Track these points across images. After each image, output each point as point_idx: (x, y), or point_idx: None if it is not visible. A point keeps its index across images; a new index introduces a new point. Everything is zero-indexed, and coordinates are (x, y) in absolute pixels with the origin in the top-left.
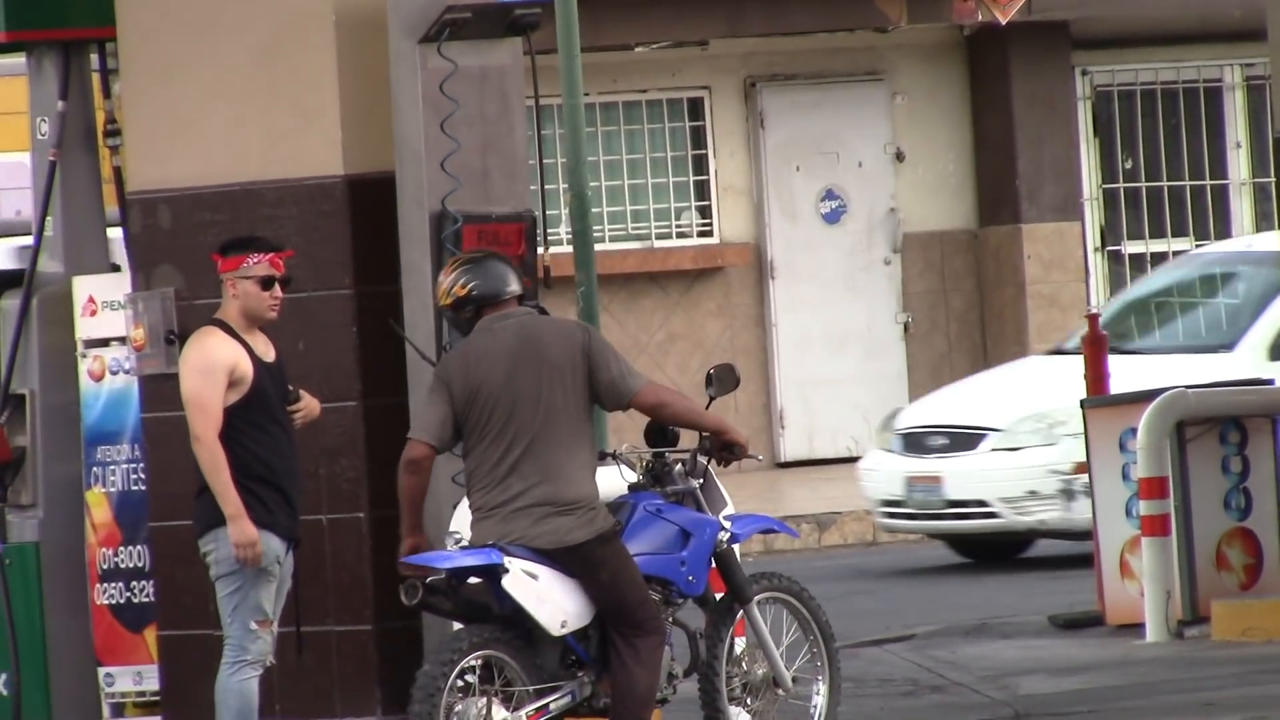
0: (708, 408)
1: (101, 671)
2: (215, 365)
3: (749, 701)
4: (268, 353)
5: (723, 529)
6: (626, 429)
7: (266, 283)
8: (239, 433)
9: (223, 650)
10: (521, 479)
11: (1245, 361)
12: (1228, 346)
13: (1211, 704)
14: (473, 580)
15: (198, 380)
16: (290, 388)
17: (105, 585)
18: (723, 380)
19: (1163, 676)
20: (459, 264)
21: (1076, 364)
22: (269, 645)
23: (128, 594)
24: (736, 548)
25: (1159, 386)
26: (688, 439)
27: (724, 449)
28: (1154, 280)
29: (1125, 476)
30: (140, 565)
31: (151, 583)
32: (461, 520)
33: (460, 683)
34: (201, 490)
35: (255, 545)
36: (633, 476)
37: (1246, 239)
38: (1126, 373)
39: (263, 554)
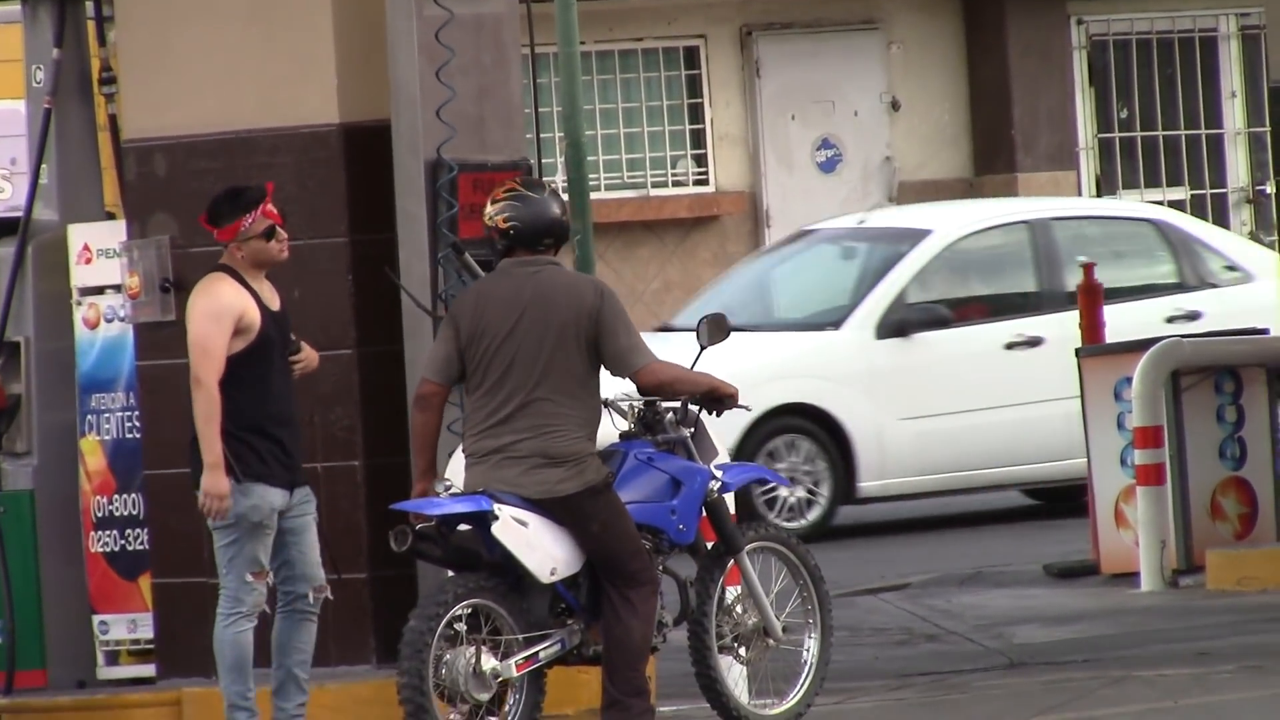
0: (698, 357)
1: (96, 619)
2: (224, 311)
3: (740, 651)
4: (273, 301)
5: (714, 478)
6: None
7: (268, 234)
8: (241, 381)
9: (218, 602)
10: (514, 431)
11: (852, 339)
12: (835, 324)
13: (1206, 653)
14: (463, 527)
15: (207, 325)
16: (291, 337)
17: (100, 533)
18: (713, 330)
19: (1157, 626)
20: (510, 195)
21: (681, 343)
22: (263, 596)
23: (122, 542)
24: (728, 497)
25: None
26: None
27: (715, 402)
28: (771, 257)
29: (1120, 426)
30: (134, 513)
31: (146, 530)
32: (456, 469)
33: (449, 632)
34: (196, 442)
35: (224, 499)
36: (624, 424)
37: (859, 215)
38: (734, 351)
39: (255, 508)
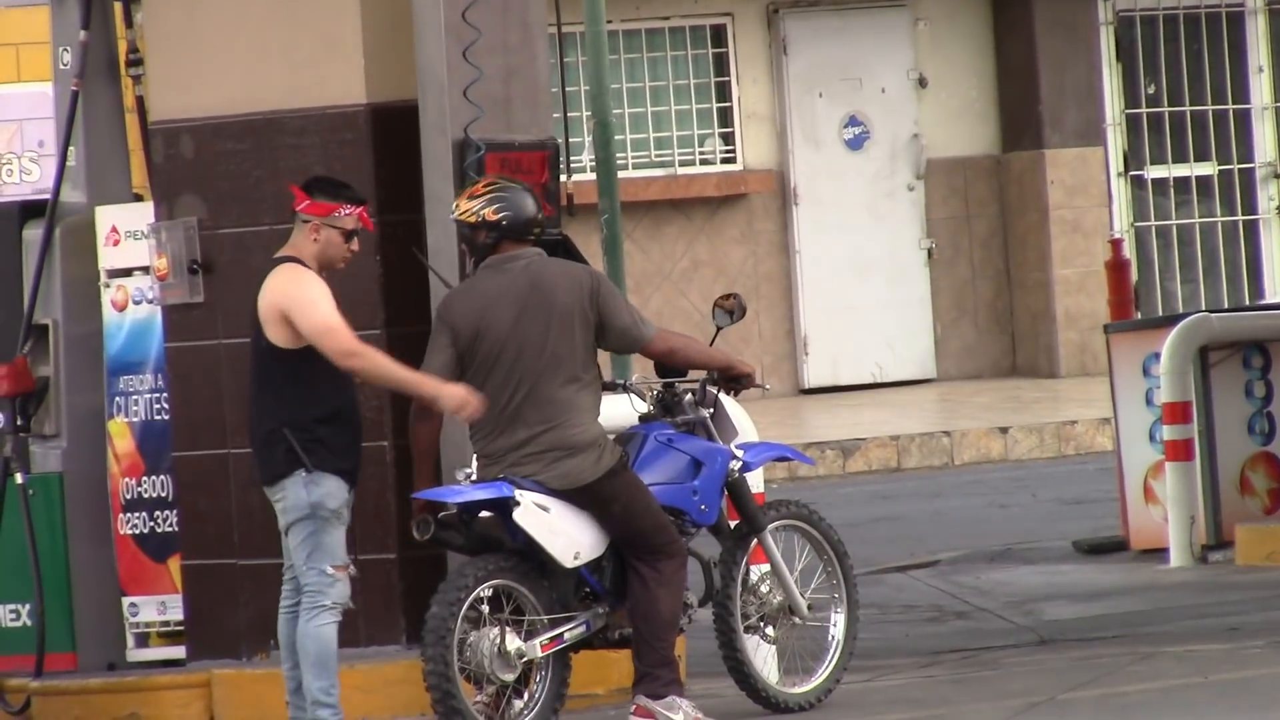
0: (715, 337)
1: (125, 601)
2: (325, 292)
3: (767, 631)
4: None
5: (734, 458)
6: (639, 358)
7: (348, 235)
8: (313, 373)
9: (302, 596)
10: (526, 426)
11: None
12: None
13: (1236, 628)
14: (484, 514)
15: (326, 305)
16: None
17: (128, 515)
18: (730, 310)
19: (1187, 601)
20: (493, 188)
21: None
22: (347, 589)
23: (151, 524)
24: (750, 476)
25: None
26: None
27: (731, 381)
28: None
29: (1149, 402)
30: (163, 495)
31: (175, 512)
32: None
33: (473, 614)
34: (268, 437)
35: (469, 395)
36: (643, 407)
37: None
38: None
39: (330, 495)
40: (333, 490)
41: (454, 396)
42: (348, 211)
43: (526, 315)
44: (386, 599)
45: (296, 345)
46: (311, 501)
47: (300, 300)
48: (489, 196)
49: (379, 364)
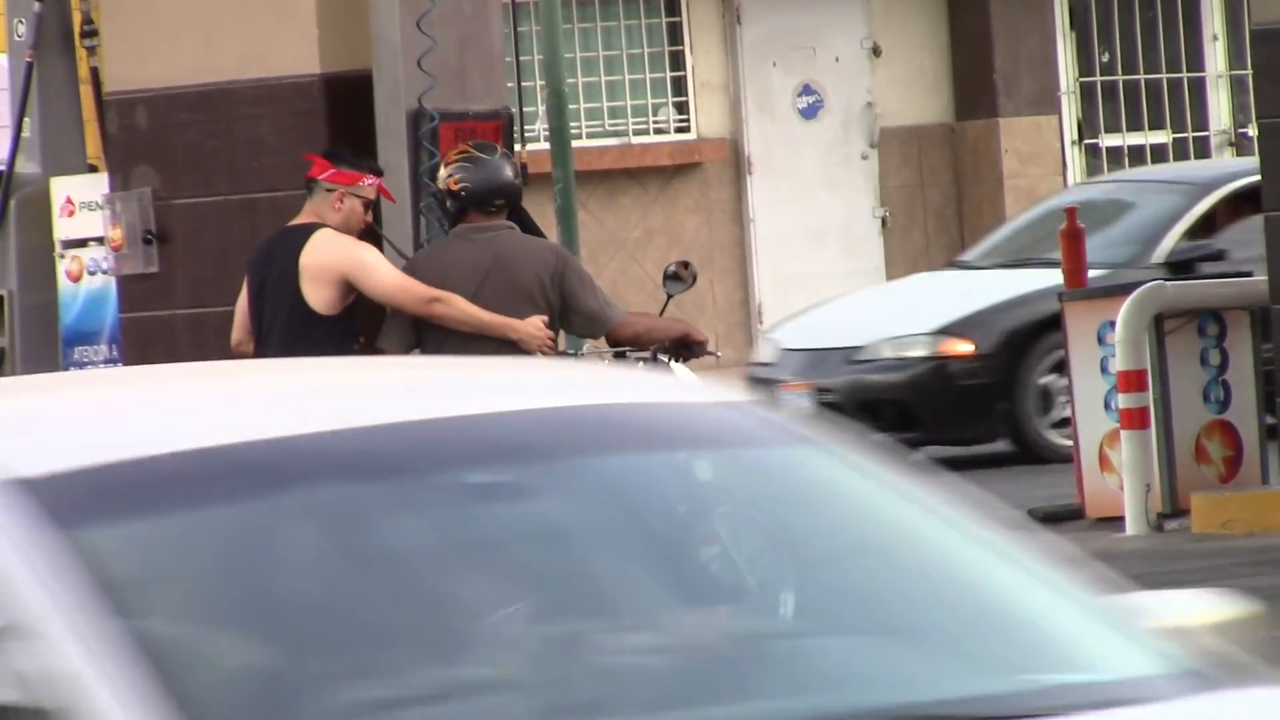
0: (666, 304)
1: None
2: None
3: None
4: None
5: None
6: None
7: (367, 205)
8: (344, 337)
9: None
10: None
11: None
12: None
13: None
14: None
15: (385, 266)
16: None
17: None
18: (680, 277)
19: (1142, 569)
20: (461, 156)
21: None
22: None
23: None
24: None
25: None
26: None
27: (684, 349)
28: None
29: (1104, 370)
30: None
31: None
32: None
33: None
34: None
35: (541, 329)
36: None
37: None
38: None
39: None
40: None
41: (532, 333)
42: (370, 182)
43: (486, 287)
44: None
45: (333, 310)
46: None
47: (363, 263)
48: (455, 165)
49: (462, 306)
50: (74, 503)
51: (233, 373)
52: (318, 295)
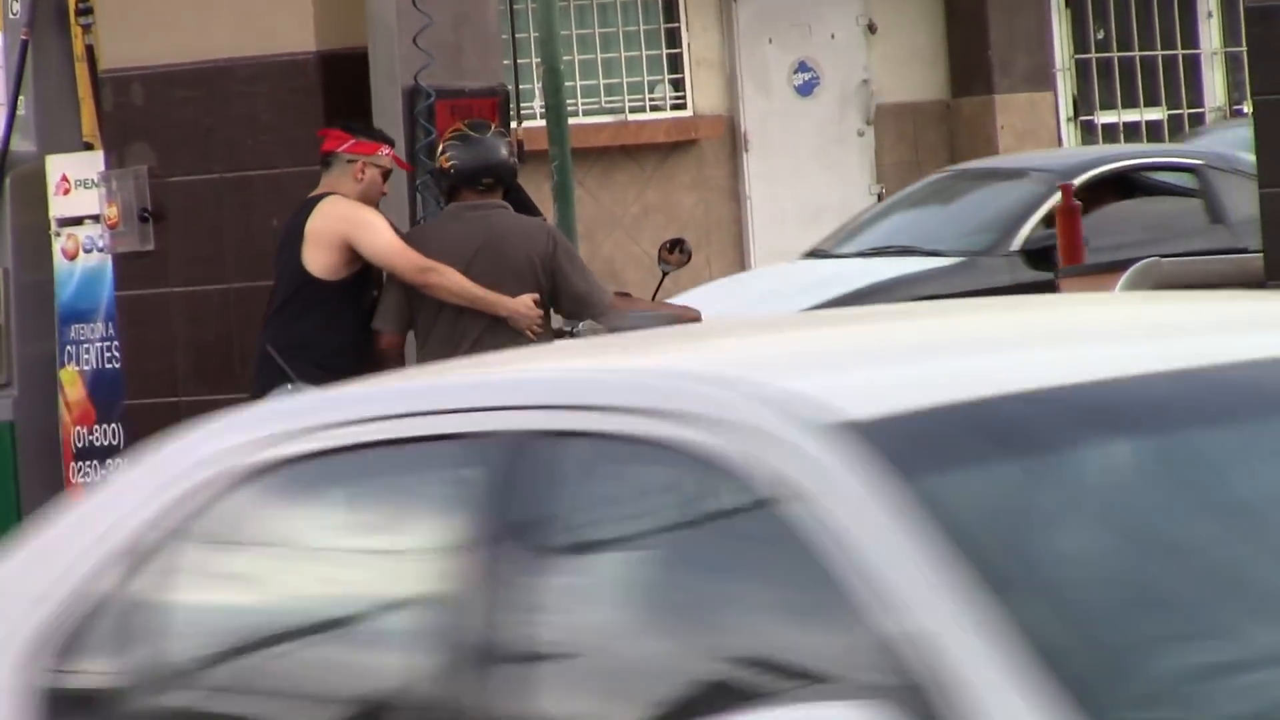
0: (662, 281)
1: None
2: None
3: None
4: None
5: None
6: None
7: (385, 175)
8: (343, 304)
9: None
10: None
11: None
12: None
13: None
14: None
15: (388, 232)
16: None
17: (80, 464)
18: (675, 254)
19: None
20: (454, 135)
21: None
22: None
23: (103, 472)
24: None
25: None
26: None
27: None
28: None
29: None
30: (115, 443)
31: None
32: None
33: None
34: (260, 359)
35: (532, 308)
36: None
37: None
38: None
39: None
40: None
41: (522, 311)
42: (387, 152)
43: (475, 267)
44: None
45: (337, 276)
46: None
47: (364, 225)
48: (448, 142)
49: (453, 278)
50: (917, 449)
51: (1019, 308)
52: (318, 260)
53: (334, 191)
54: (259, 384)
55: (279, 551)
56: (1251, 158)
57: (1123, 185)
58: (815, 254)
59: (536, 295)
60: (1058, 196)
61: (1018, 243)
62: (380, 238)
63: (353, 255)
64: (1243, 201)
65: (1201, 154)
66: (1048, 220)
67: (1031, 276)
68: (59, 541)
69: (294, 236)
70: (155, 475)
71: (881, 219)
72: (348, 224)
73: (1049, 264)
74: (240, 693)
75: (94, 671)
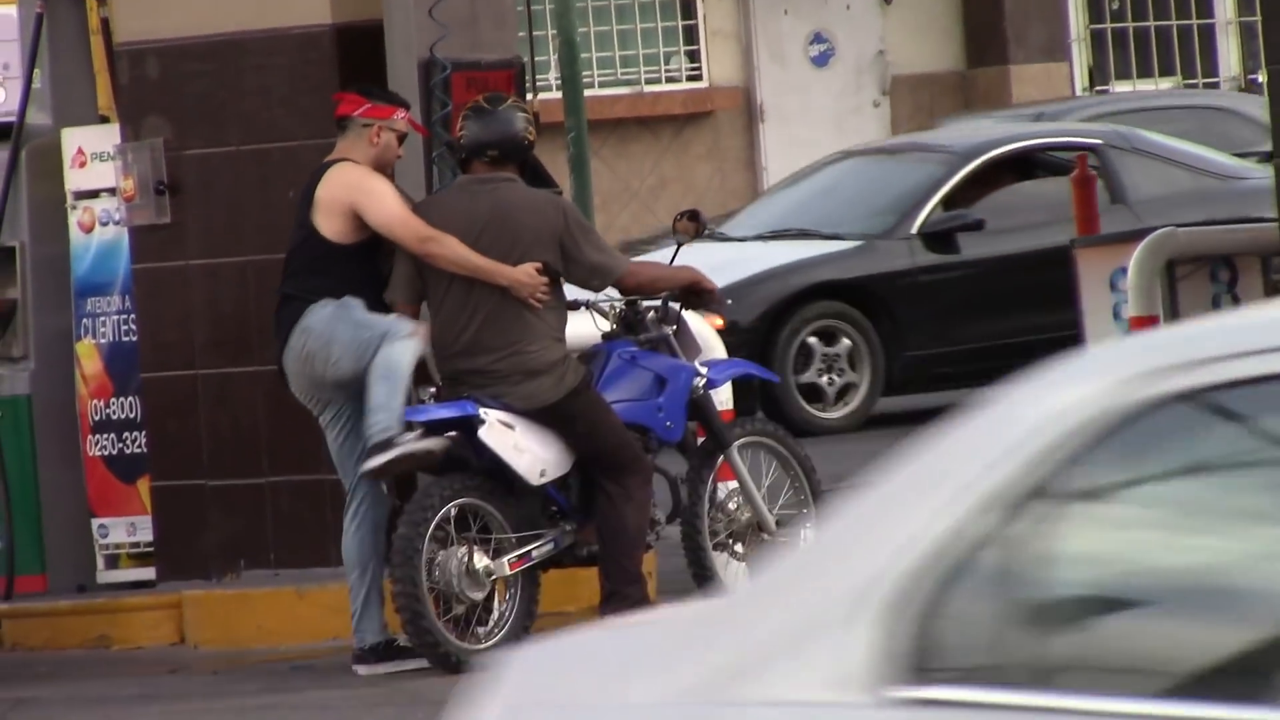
0: (676, 253)
1: (95, 523)
2: (393, 187)
3: (736, 548)
4: None
5: (698, 375)
6: None
7: (400, 139)
8: (355, 267)
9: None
10: (486, 350)
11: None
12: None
13: None
14: (450, 434)
15: (394, 197)
16: None
17: (97, 437)
18: (689, 222)
19: None
20: (470, 107)
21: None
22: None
23: (120, 445)
24: (718, 393)
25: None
26: None
27: (694, 297)
28: None
29: (1116, 316)
30: (132, 416)
31: (143, 434)
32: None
33: (439, 533)
34: (281, 302)
35: (533, 275)
36: (606, 325)
37: None
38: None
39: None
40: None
41: (522, 279)
42: (402, 115)
43: (484, 241)
44: None
45: (348, 241)
46: (356, 320)
47: (370, 192)
48: (464, 114)
49: (455, 249)
50: None
51: None
52: (329, 225)
53: (348, 157)
54: (280, 329)
55: (1180, 499)
56: (1152, 136)
57: (1023, 165)
58: (712, 236)
59: (539, 264)
60: (959, 177)
61: (916, 225)
62: (385, 206)
63: (362, 222)
64: (1144, 181)
65: (1101, 133)
66: (947, 202)
67: (931, 259)
68: (903, 492)
69: (307, 201)
70: (1011, 423)
71: (779, 201)
72: (354, 191)
73: (949, 246)
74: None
75: (969, 620)
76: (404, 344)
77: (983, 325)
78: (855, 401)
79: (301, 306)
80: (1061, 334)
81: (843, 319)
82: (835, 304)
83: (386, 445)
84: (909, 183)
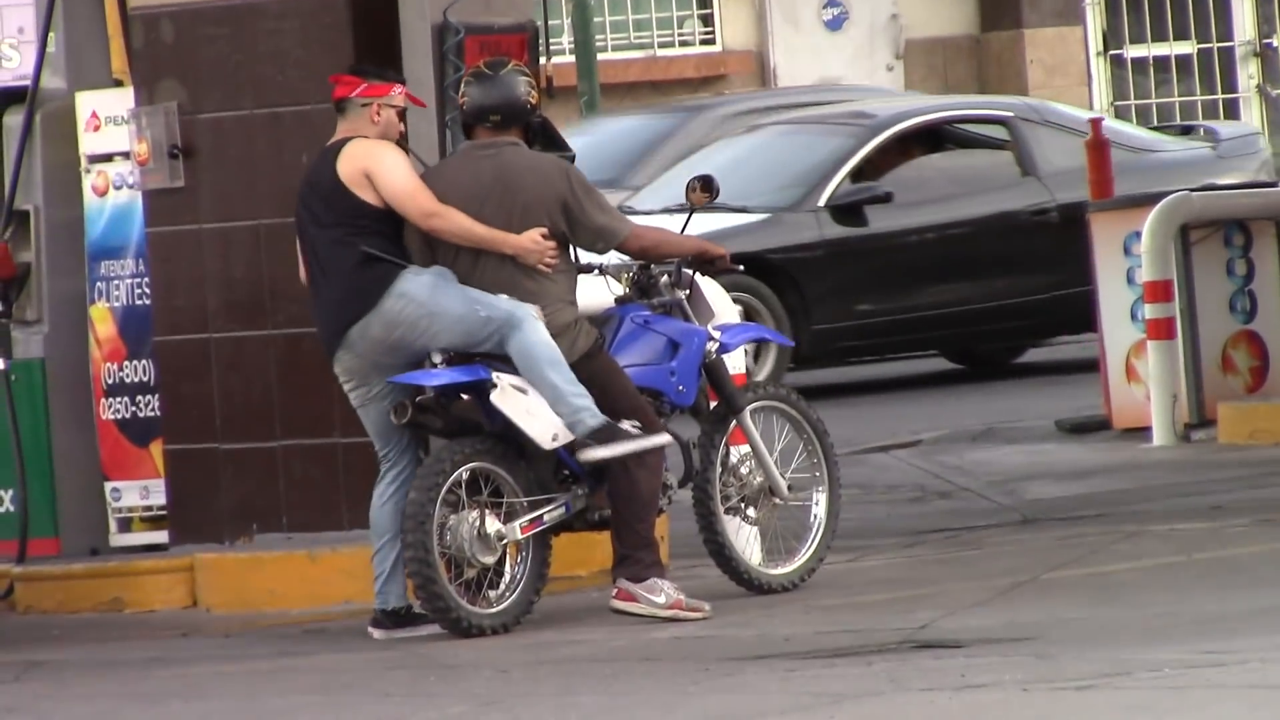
0: (689, 218)
1: (108, 486)
2: (406, 160)
3: (749, 512)
4: None
5: (711, 339)
6: None
7: (401, 114)
8: (370, 238)
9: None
10: None
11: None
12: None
13: (1219, 507)
14: (463, 398)
15: (405, 170)
16: None
17: (110, 400)
18: (703, 191)
19: (1170, 480)
20: (473, 72)
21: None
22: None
23: (133, 408)
24: (730, 357)
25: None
26: None
27: (704, 263)
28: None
29: (1130, 280)
30: (145, 379)
31: (156, 397)
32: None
33: (451, 498)
34: (358, 267)
35: (539, 241)
36: (619, 289)
37: None
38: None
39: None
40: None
41: (528, 246)
42: (399, 91)
43: (489, 207)
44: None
45: (383, 205)
46: (469, 296)
47: (383, 163)
48: (467, 80)
49: (459, 222)
50: None
51: None
52: (364, 195)
53: (355, 136)
54: (366, 292)
55: None
56: (1064, 108)
57: (933, 138)
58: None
59: (544, 229)
60: (867, 150)
61: (824, 198)
62: (395, 179)
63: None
64: (1054, 153)
65: (1013, 105)
66: (855, 175)
67: (839, 232)
68: None
69: (325, 181)
70: None
71: (687, 173)
72: (368, 160)
73: (857, 219)
74: None
75: None
76: (540, 326)
77: (891, 299)
78: (762, 375)
79: (393, 270)
80: (967, 308)
81: (750, 292)
82: (742, 277)
83: (613, 433)
84: (817, 155)
